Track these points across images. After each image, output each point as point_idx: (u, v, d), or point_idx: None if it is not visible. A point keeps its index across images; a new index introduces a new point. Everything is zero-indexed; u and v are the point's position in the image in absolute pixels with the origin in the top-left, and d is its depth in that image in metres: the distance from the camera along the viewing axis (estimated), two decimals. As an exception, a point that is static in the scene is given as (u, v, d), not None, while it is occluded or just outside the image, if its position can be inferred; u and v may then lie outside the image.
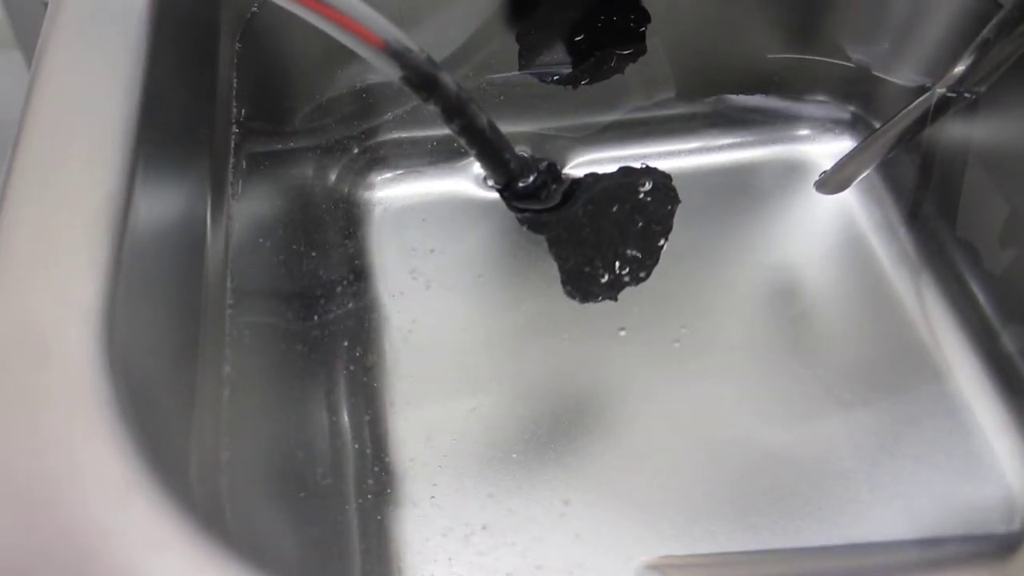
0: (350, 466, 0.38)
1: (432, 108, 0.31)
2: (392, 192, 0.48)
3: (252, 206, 0.35)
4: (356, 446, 0.39)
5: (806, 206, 0.48)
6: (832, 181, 0.48)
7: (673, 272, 0.44)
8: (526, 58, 0.46)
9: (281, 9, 0.30)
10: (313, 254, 0.42)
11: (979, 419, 0.40)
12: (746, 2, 0.46)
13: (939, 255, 0.45)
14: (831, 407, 0.41)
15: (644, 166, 0.35)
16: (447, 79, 0.31)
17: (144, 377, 0.22)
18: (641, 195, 0.35)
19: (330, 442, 0.38)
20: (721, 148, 0.50)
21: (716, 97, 0.50)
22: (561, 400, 0.41)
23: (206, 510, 0.22)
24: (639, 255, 0.36)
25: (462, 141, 0.32)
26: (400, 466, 0.39)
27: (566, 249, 0.34)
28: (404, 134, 0.48)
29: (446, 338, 0.43)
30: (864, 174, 0.47)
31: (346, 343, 0.42)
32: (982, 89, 0.41)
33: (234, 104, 0.37)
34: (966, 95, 0.41)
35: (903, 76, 0.47)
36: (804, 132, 0.50)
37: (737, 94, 0.50)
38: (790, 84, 0.49)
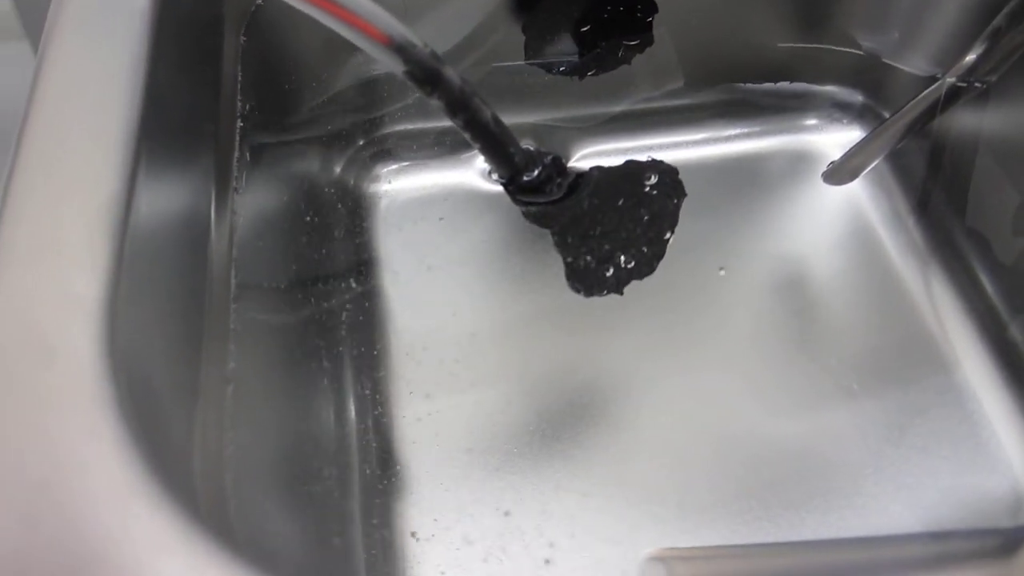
0: (355, 459, 0.38)
1: (436, 102, 0.31)
2: (398, 184, 0.48)
3: (257, 199, 0.35)
4: (361, 439, 0.39)
5: (814, 196, 0.48)
6: (840, 171, 0.48)
7: (680, 263, 0.43)
8: (532, 49, 0.46)
9: (285, 3, 0.29)
10: (318, 247, 0.42)
11: (986, 410, 0.40)
12: (754, -10, 0.46)
13: (948, 245, 0.45)
14: (838, 398, 0.41)
15: (650, 159, 0.35)
16: (451, 73, 0.31)
17: (147, 374, 0.22)
18: (647, 188, 0.35)
19: (335, 435, 0.38)
20: (728, 138, 0.50)
21: (724, 87, 0.49)
22: (566, 393, 0.41)
23: (210, 507, 0.22)
24: (645, 249, 0.36)
25: (466, 135, 0.32)
26: (405, 459, 0.39)
27: (571, 243, 0.34)
28: (409, 126, 0.48)
29: (451, 331, 0.43)
30: (873, 164, 0.47)
31: (351, 336, 0.42)
32: (993, 79, 0.41)
33: (239, 98, 0.36)
34: (976, 85, 0.41)
35: (913, 65, 0.47)
36: (812, 122, 0.50)
37: (745, 84, 0.49)
38: (799, 73, 0.49)
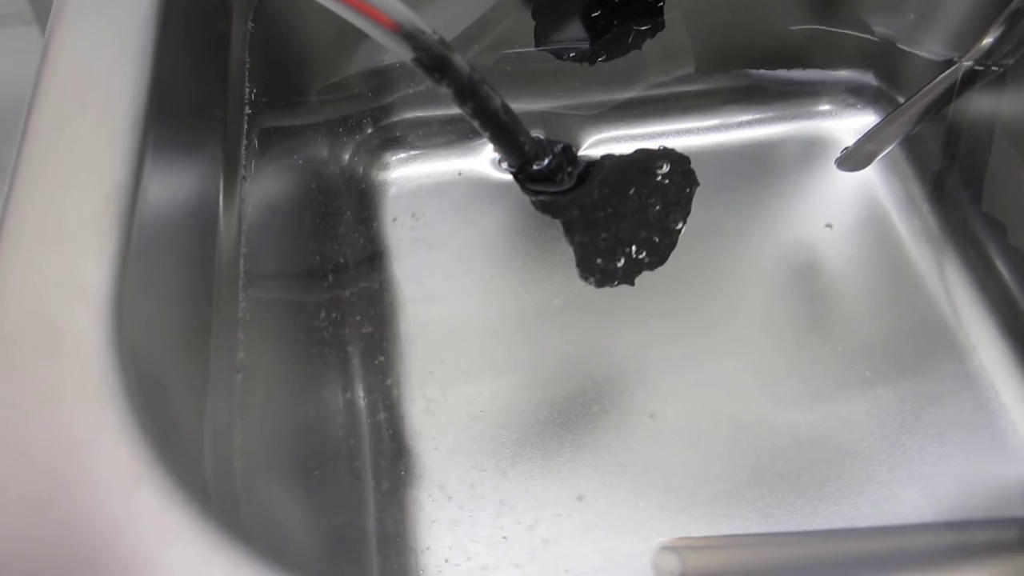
0: (365, 448, 0.39)
1: (444, 90, 0.31)
2: (406, 172, 0.48)
3: (265, 187, 0.35)
4: (371, 428, 0.39)
5: (827, 183, 0.47)
6: (854, 157, 0.47)
7: (691, 251, 0.43)
8: (542, 34, 0.46)
9: (292, -12, 0.29)
10: (327, 235, 0.42)
11: (1003, 398, 0.40)
12: (767, -26, 0.45)
13: (963, 231, 0.45)
14: (852, 385, 0.40)
15: (662, 148, 0.35)
16: (459, 61, 0.30)
17: (155, 363, 0.21)
18: (659, 178, 0.35)
19: (345, 424, 0.38)
20: (741, 125, 0.49)
21: (736, 72, 0.49)
22: (577, 382, 0.41)
23: (219, 496, 0.22)
24: (656, 239, 0.35)
25: (475, 123, 0.31)
26: (416, 447, 0.39)
27: (581, 232, 0.34)
28: (419, 113, 0.48)
29: (461, 320, 0.43)
30: (887, 150, 0.47)
31: (360, 324, 0.42)
32: (1010, 62, 0.40)
33: (247, 84, 0.36)
34: (993, 68, 0.41)
35: (928, 49, 0.46)
36: (826, 107, 0.50)
37: (758, 69, 0.49)
38: (812, 58, 0.49)
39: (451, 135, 0.48)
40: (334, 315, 0.40)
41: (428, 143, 0.48)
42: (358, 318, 0.42)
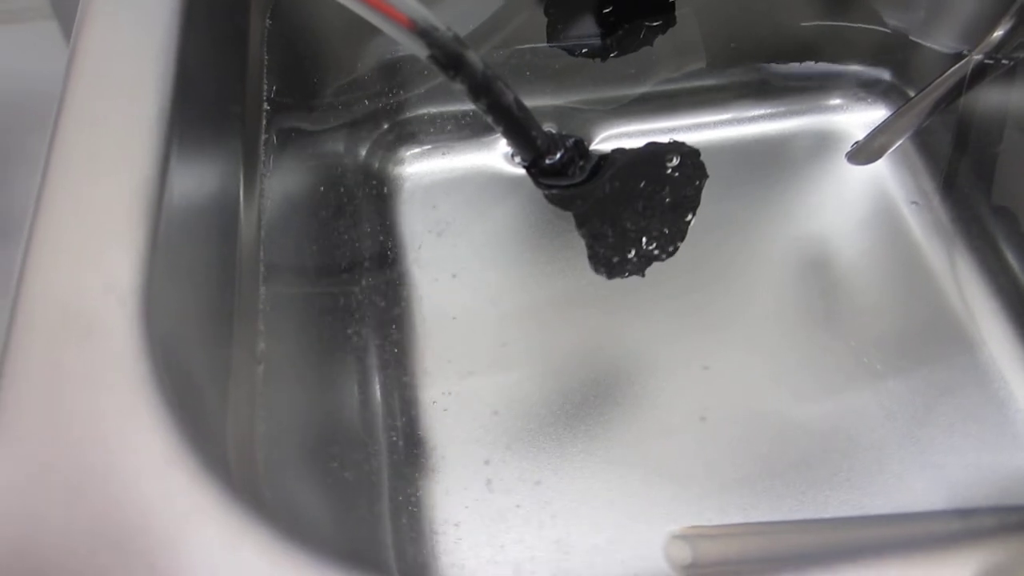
0: (381, 437, 0.39)
1: (458, 86, 0.32)
2: (421, 167, 0.48)
3: (284, 182, 0.36)
4: (386, 418, 0.40)
5: (838, 177, 0.48)
6: (865, 151, 0.47)
7: (702, 244, 0.44)
8: (555, 31, 0.46)
9: (310, -14, 0.30)
10: (344, 228, 0.43)
11: (1013, 389, 0.40)
12: (778, -32, 0.46)
13: (974, 224, 0.45)
14: (862, 378, 0.41)
15: (672, 141, 0.35)
16: (473, 57, 0.31)
17: (181, 353, 0.22)
18: (669, 170, 0.35)
19: (360, 414, 0.39)
20: (752, 119, 0.49)
21: (747, 67, 0.49)
22: (590, 372, 0.41)
23: (243, 481, 0.23)
24: (666, 231, 0.36)
25: (488, 119, 0.32)
26: (431, 438, 0.39)
27: (592, 225, 0.35)
28: (433, 109, 0.48)
29: (475, 312, 0.43)
30: (898, 144, 0.47)
31: (377, 316, 0.43)
32: (1020, 55, 0.41)
33: (265, 81, 0.37)
34: (1004, 61, 0.41)
35: (939, 42, 0.46)
36: (836, 102, 0.50)
37: (769, 64, 0.49)
38: (823, 53, 0.49)
39: (465, 130, 0.48)
40: (350, 306, 0.41)
41: (442, 138, 0.49)
42: (373, 309, 0.43)
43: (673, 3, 0.46)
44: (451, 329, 0.43)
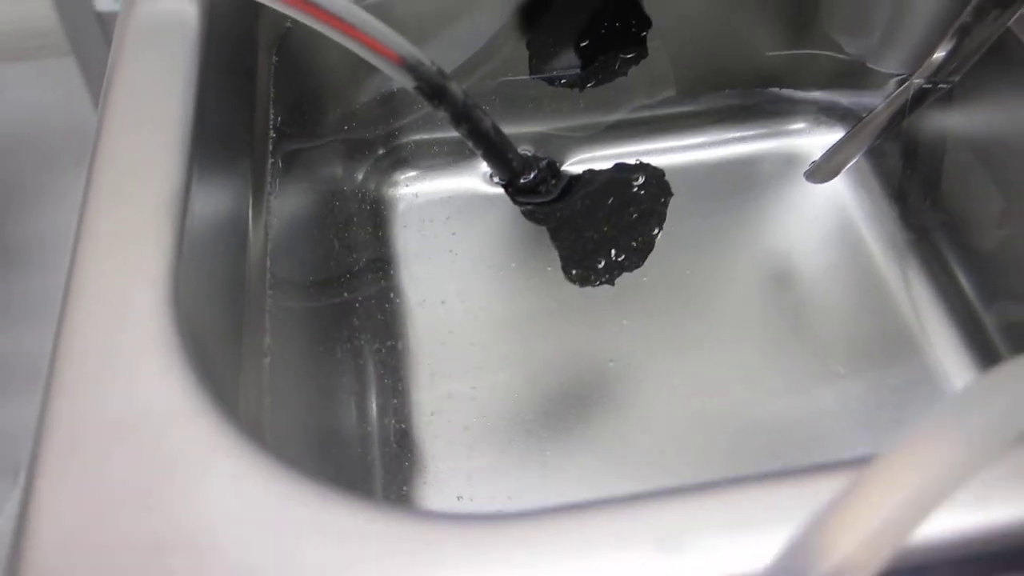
0: (375, 438, 0.41)
1: (442, 114, 0.35)
2: (414, 189, 0.50)
3: (288, 202, 0.39)
4: (380, 419, 0.42)
5: (801, 196, 0.49)
6: (822, 170, 0.50)
7: (672, 260, 0.45)
8: (536, 63, 0.48)
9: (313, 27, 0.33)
10: (343, 245, 0.45)
11: (956, 388, 0.42)
12: (744, 4, 0.48)
13: (924, 238, 0.47)
14: (825, 380, 0.43)
15: (638, 162, 0.38)
16: (455, 88, 0.34)
17: (202, 339, 0.26)
18: (635, 188, 0.38)
19: (357, 415, 0.41)
20: (719, 143, 0.51)
21: (715, 95, 0.51)
22: (570, 376, 0.42)
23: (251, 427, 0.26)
24: (634, 244, 0.38)
25: (469, 143, 0.35)
26: (422, 439, 0.41)
27: (565, 238, 0.37)
28: (424, 136, 0.50)
29: (463, 320, 0.45)
30: (851, 163, 0.49)
31: (372, 324, 0.44)
32: (956, 79, 0.42)
33: (272, 111, 0.39)
34: (941, 85, 0.43)
35: (890, 67, 0.48)
36: (799, 126, 0.52)
37: (735, 90, 0.51)
38: (786, 80, 0.51)
39: (451, 155, 0.50)
40: (348, 315, 0.43)
41: (432, 162, 0.50)
42: (369, 319, 0.44)
43: (644, 36, 0.48)
44: (440, 337, 0.44)
